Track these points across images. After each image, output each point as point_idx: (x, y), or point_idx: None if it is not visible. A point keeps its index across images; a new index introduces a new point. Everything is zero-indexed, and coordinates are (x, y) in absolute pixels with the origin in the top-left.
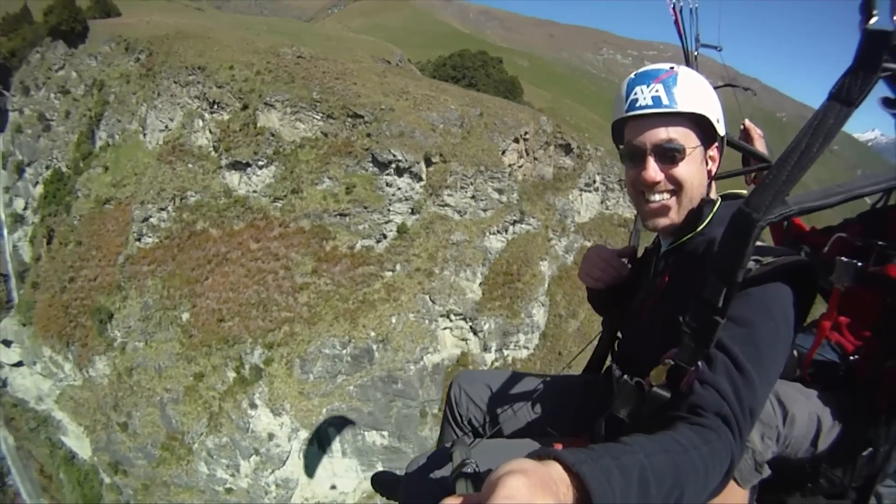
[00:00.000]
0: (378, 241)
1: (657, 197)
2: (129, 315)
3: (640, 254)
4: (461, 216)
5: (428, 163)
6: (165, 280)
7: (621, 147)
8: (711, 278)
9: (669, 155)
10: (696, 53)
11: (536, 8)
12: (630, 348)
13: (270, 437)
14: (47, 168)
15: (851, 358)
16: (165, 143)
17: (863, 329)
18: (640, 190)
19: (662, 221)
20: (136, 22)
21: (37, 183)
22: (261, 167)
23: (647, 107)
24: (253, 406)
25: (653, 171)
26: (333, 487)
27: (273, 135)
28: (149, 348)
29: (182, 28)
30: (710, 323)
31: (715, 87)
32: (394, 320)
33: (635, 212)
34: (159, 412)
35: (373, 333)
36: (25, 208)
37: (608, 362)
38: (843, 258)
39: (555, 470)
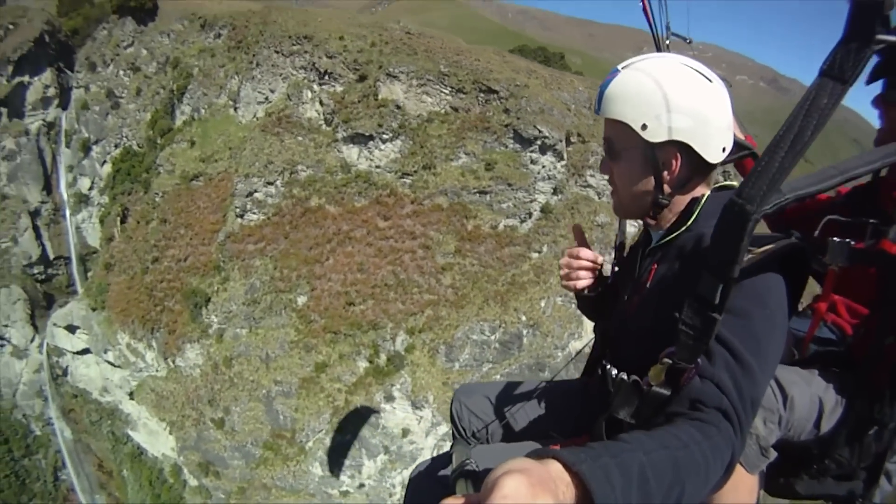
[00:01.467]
0: (522, 221)
1: (612, 187)
2: (229, 298)
3: (626, 251)
4: (599, 198)
5: (567, 142)
6: (277, 260)
7: None
8: (706, 274)
9: (609, 153)
10: (667, 42)
11: (573, 8)
12: (620, 346)
13: (405, 433)
14: (116, 146)
15: (851, 338)
16: (268, 114)
17: (859, 307)
18: None
19: (617, 210)
20: (206, 3)
21: (104, 162)
22: (385, 141)
23: (595, 108)
24: (389, 399)
25: (602, 163)
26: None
27: (398, 107)
28: (254, 335)
29: (266, 5)
30: (708, 320)
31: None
32: (543, 304)
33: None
34: (264, 407)
35: (524, 318)
36: (91, 188)
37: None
38: (835, 239)
39: (554, 469)
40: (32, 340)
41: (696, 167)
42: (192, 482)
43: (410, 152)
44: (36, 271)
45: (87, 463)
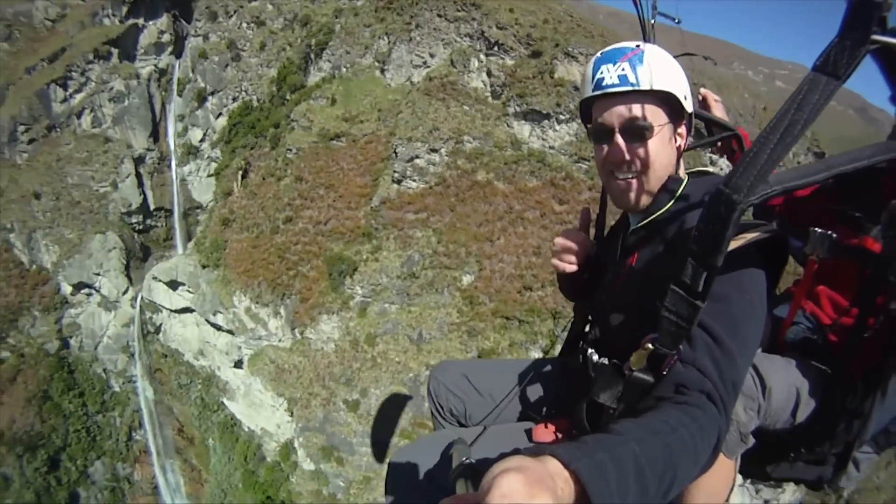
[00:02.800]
0: None
1: (625, 175)
2: (380, 270)
3: (606, 231)
4: None
5: None
6: (442, 233)
7: (589, 126)
8: (690, 262)
9: (638, 133)
10: (652, 22)
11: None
12: (601, 329)
13: None
14: (234, 100)
15: (827, 329)
16: (429, 79)
17: (840, 299)
18: (608, 169)
19: (631, 199)
20: None
21: (220, 114)
22: (561, 122)
23: (613, 85)
24: None
25: (621, 149)
26: None
27: (576, 89)
28: (406, 313)
29: None
30: (691, 307)
31: (675, 57)
32: None
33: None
34: (409, 392)
35: None
36: (202, 140)
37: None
38: (816, 229)
39: (551, 466)
40: (125, 292)
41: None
42: (308, 465)
43: (587, 137)
44: (134, 220)
45: (167, 426)
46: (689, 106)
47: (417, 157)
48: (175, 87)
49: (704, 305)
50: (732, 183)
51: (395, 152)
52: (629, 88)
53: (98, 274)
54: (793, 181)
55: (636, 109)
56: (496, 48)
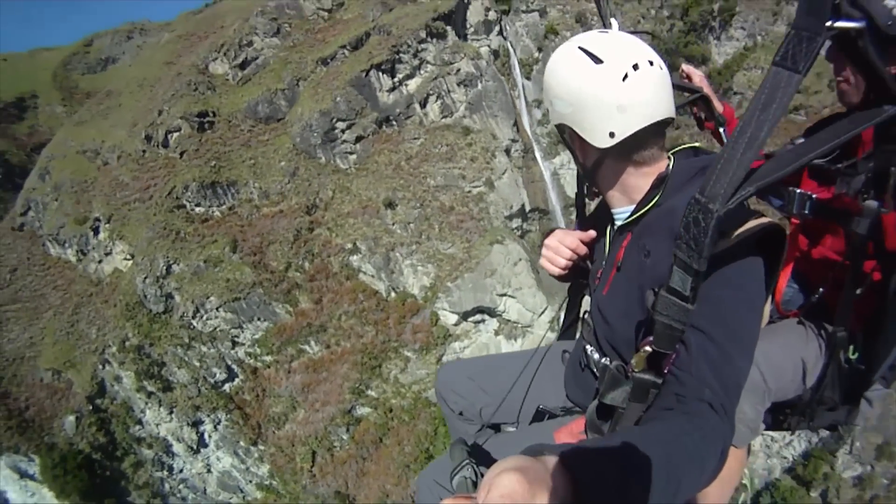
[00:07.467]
0: None
1: None
2: None
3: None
4: None
5: None
6: None
7: None
8: (676, 269)
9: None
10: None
11: None
12: (596, 322)
13: None
14: None
15: (819, 287)
16: None
17: (828, 255)
18: None
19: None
20: None
21: None
22: None
23: None
24: None
25: None
26: None
27: None
28: None
29: None
30: (682, 310)
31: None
32: None
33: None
34: None
35: None
36: None
37: (579, 333)
38: (796, 189)
39: (551, 466)
40: (542, 313)
41: (604, 149)
42: None
43: None
44: (514, 225)
45: None
46: (551, 118)
47: None
48: (519, 69)
49: (700, 308)
50: (708, 191)
51: None
52: None
53: (505, 294)
54: (766, 178)
55: None
56: None
